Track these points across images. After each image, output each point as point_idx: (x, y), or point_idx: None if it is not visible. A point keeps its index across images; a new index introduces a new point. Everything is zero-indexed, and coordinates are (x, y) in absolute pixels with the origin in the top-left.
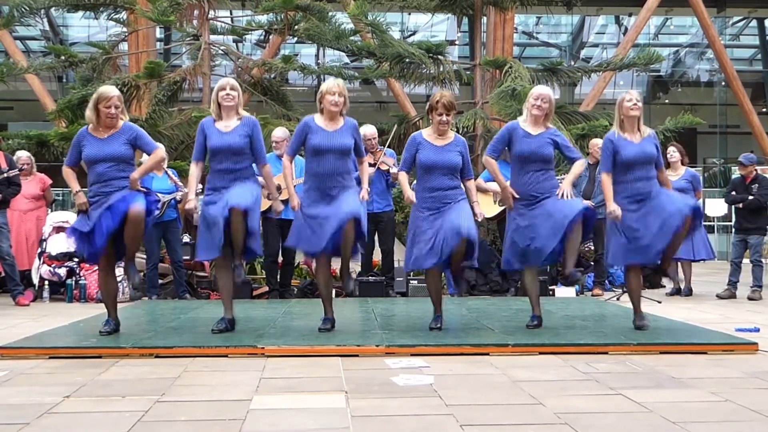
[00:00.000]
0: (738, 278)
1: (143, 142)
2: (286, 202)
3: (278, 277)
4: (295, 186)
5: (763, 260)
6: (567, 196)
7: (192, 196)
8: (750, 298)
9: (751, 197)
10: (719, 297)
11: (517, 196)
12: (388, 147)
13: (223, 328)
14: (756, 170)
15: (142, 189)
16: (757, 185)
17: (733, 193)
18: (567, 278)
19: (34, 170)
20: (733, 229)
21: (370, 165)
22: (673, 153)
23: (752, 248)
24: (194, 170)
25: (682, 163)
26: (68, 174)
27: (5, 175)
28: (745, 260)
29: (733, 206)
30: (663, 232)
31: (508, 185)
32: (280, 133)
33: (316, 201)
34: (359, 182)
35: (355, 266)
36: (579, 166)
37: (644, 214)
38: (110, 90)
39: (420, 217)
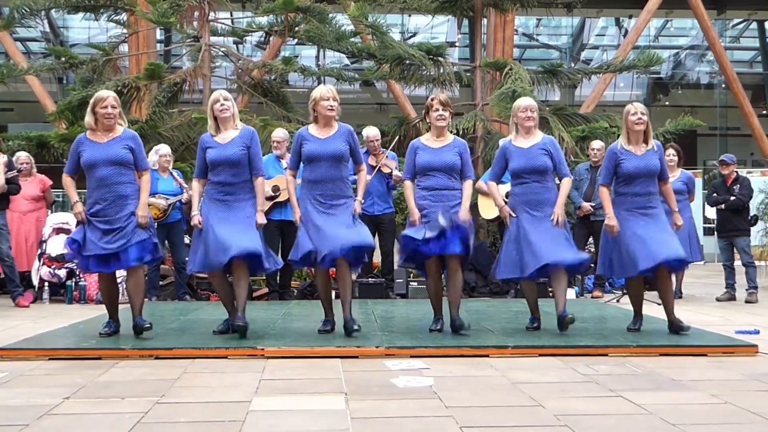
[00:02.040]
0: (734, 280)
1: (139, 155)
2: (285, 203)
3: (278, 278)
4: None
5: (756, 261)
6: (560, 222)
7: (195, 212)
8: (747, 301)
9: (732, 197)
10: (719, 300)
11: (514, 215)
12: (389, 149)
13: (224, 329)
14: (736, 171)
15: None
16: (738, 186)
17: (715, 194)
18: (561, 321)
19: (33, 171)
20: (716, 232)
21: (372, 167)
22: (673, 156)
23: (741, 251)
24: (197, 187)
25: (678, 165)
26: (68, 183)
27: (5, 176)
28: (737, 262)
29: (715, 208)
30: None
31: (505, 206)
32: (280, 133)
33: (311, 210)
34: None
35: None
36: (566, 185)
37: (644, 228)
38: (105, 92)
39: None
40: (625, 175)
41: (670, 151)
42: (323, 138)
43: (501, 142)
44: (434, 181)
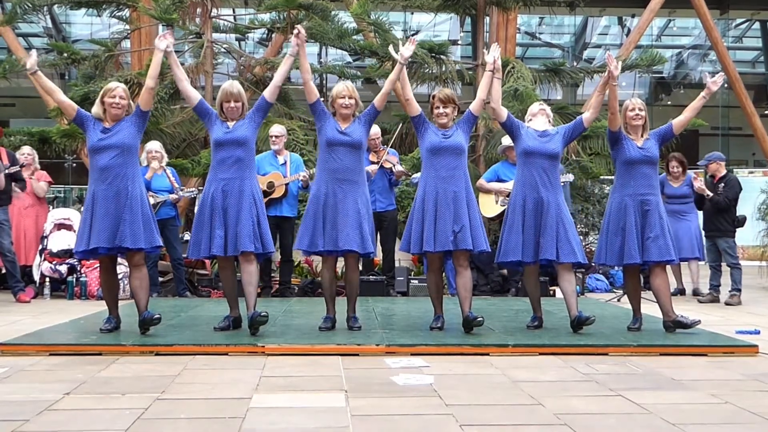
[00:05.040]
0: (719, 282)
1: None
2: (280, 199)
3: (273, 274)
4: (288, 184)
5: (758, 262)
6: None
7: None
8: (727, 303)
9: (708, 194)
10: (700, 302)
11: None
12: (391, 146)
13: (225, 326)
14: (727, 170)
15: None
16: (723, 184)
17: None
18: (576, 323)
19: (36, 165)
20: (703, 232)
21: (373, 163)
22: (676, 169)
23: (723, 252)
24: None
25: (683, 173)
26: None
27: (6, 171)
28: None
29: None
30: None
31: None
32: (278, 129)
33: (324, 196)
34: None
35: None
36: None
37: (644, 221)
38: (115, 83)
39: (427, 196)
40: (627, 161)
41: (674, 163)
42: (343, 128)
43: (503, 140)
44: (444, 162)
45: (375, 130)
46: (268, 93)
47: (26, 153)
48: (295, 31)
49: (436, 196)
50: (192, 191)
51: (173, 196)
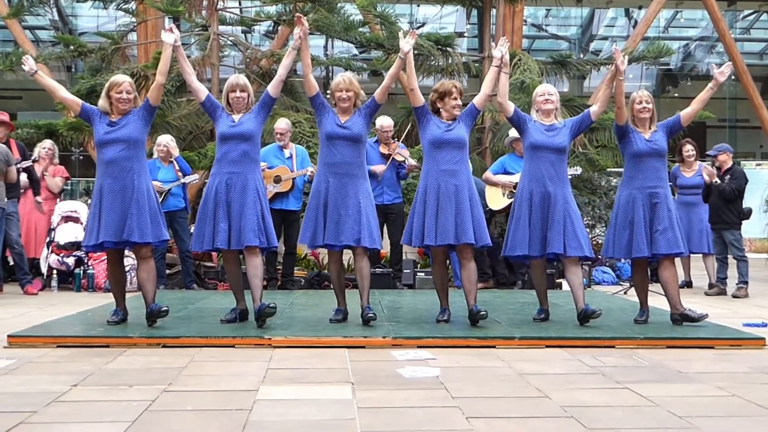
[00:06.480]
0: (725, 274)
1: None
2: (287, 193)
3: (279, 266)
4: (294, 178)
5: (766, 254)
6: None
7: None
8: (734, 296)
9: (716, 181)
10: (707, 294)
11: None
12: (399, 140)
13: (231, 318)
14: (733, 161)
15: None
16: (729, 176)
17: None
18: (583, 316)
19: (55, 161)
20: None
21: (385, 156)
22: (692, 151)
23: (730, 245)
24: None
25: (696, 159)
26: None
27: (18, 166)
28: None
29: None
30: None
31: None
32: (283, 124)
33: (324, 190)
34: (371, 174)
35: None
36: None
37: (653, 214)
38: (121, 76)
39: (429, 191)
40: (635, 154)
41: (688, 146)
42: (343, 122)
43: (510, 132)
44: (446, 156)
45: (388, 122)
46: (272, 87)
47: (47, 147)
48: (297, 19)
49: (437, 190)
50: (194, 178)
51: (175, 184)
